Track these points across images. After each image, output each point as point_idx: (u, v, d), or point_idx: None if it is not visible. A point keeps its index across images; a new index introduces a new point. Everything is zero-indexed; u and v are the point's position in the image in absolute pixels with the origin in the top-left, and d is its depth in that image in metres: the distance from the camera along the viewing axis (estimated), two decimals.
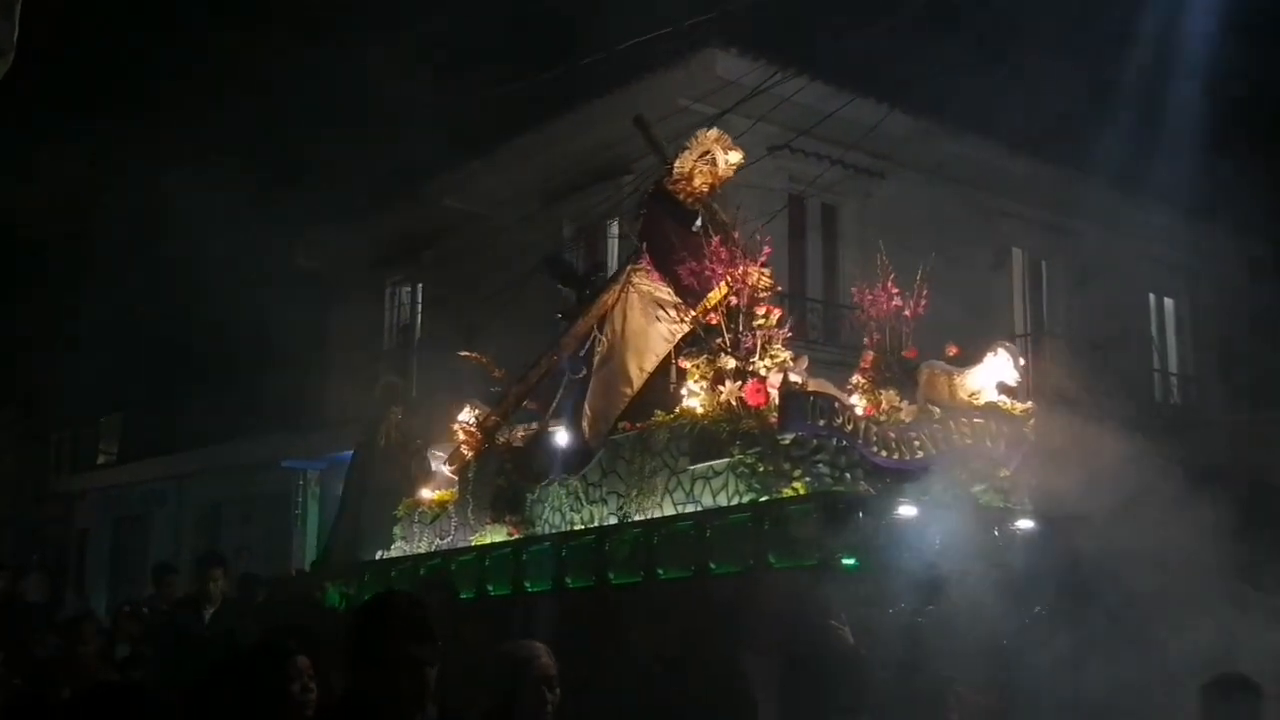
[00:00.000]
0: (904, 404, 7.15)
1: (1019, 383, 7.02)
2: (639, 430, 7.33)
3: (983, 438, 6.84)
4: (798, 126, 11.93)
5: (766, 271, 7.44)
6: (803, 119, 11.60)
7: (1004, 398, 7.01)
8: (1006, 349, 7.08)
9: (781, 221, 12.75)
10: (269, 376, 17.55)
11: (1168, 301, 18.49)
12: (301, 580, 10.79)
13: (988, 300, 15.06)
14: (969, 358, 7.26)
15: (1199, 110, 13.33)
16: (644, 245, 8.17)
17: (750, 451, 6.47)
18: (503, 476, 8.47)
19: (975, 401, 7.01)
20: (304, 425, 17.72)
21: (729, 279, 7.21)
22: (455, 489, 9.08)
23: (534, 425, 9.18)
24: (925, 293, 7.47)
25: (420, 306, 17.92)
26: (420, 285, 18.08)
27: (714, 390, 6.82)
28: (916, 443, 6.70)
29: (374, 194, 17.27)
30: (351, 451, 15.59)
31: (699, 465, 6.78)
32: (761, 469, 6.40)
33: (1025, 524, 6.69)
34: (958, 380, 7.13)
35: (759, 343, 6.75)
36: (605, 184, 14.54)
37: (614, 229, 14.78)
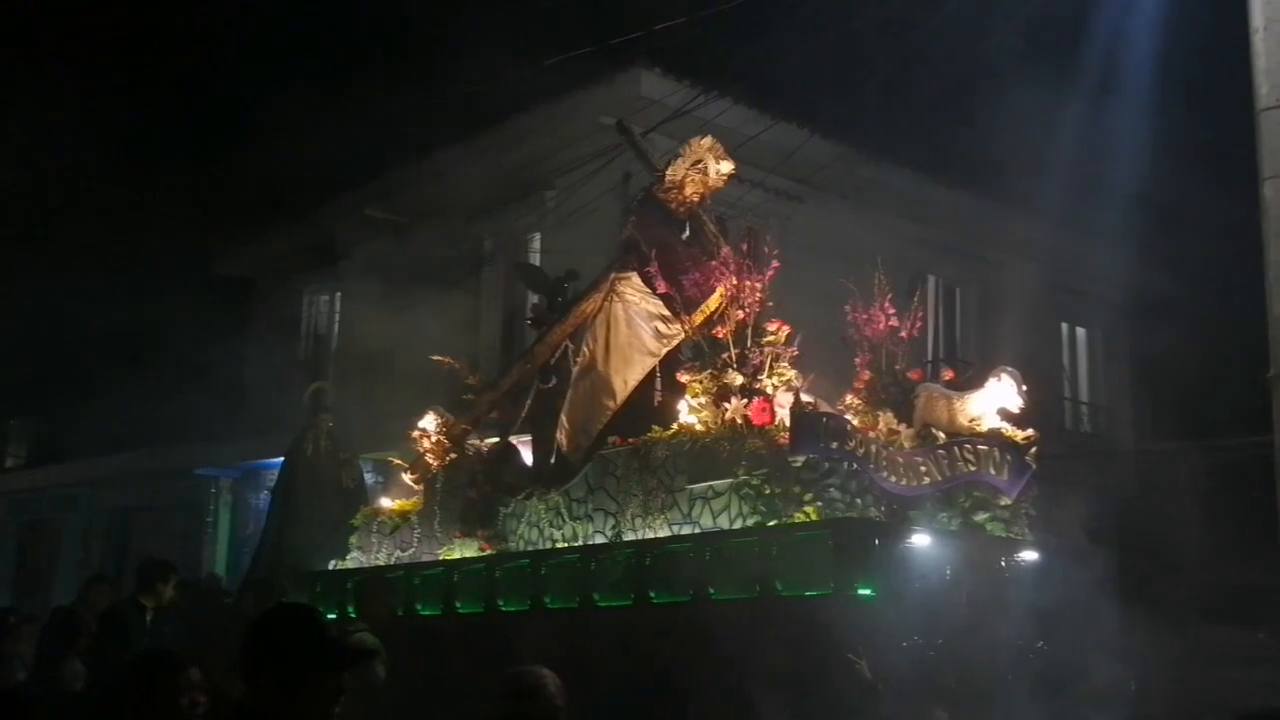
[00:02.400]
0: (901, 427, 6.83)
1: (1021, 409, 6.74)
2: (632, 445, 6.87)
3: (987, 465, 6.53)
4: None
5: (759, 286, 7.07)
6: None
7: (1006, 424, 6.72)
8: (1010, 374, 6.77)
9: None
10: (184, 383, 16.75)
11: (1080, 331, 18.56)
12: (242, 593, 10.13)
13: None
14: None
15: (1113, 144, 13.38)
16: (632, 253, 7.72)
17: (756, 473, 6.05)
18: (474, 488, 7.94)
19: (976, 427, 6.69)
20: (218, 433, 16.95)
21: (724, 290, 6.82)
22: (417, 499, 8.55)
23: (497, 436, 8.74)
24: (921, 314, 7.20)
25: (338, 315, 17.24)
26: (339, 294, 17.37)
27: (717, 407, 6.39)
28: (923, 469, 6.37)
29: (294, 201, 16.59)
30: (265, 460, 14.96)
31: (698, 485, 6.32)
32: (769, 491, 5.97)
33: (1028, 554, 6.43)
34: (958, 405, 6.79)
35: (767, 360, 6.34)
36: (527, 199, 14.17)
37: (535, 243, 14.41)
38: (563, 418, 7.91)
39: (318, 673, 3.19)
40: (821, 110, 12.84)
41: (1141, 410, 17.81)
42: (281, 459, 11.02)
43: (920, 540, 5.90)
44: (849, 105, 13.09)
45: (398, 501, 8.66)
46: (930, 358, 15.81)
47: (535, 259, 13.78)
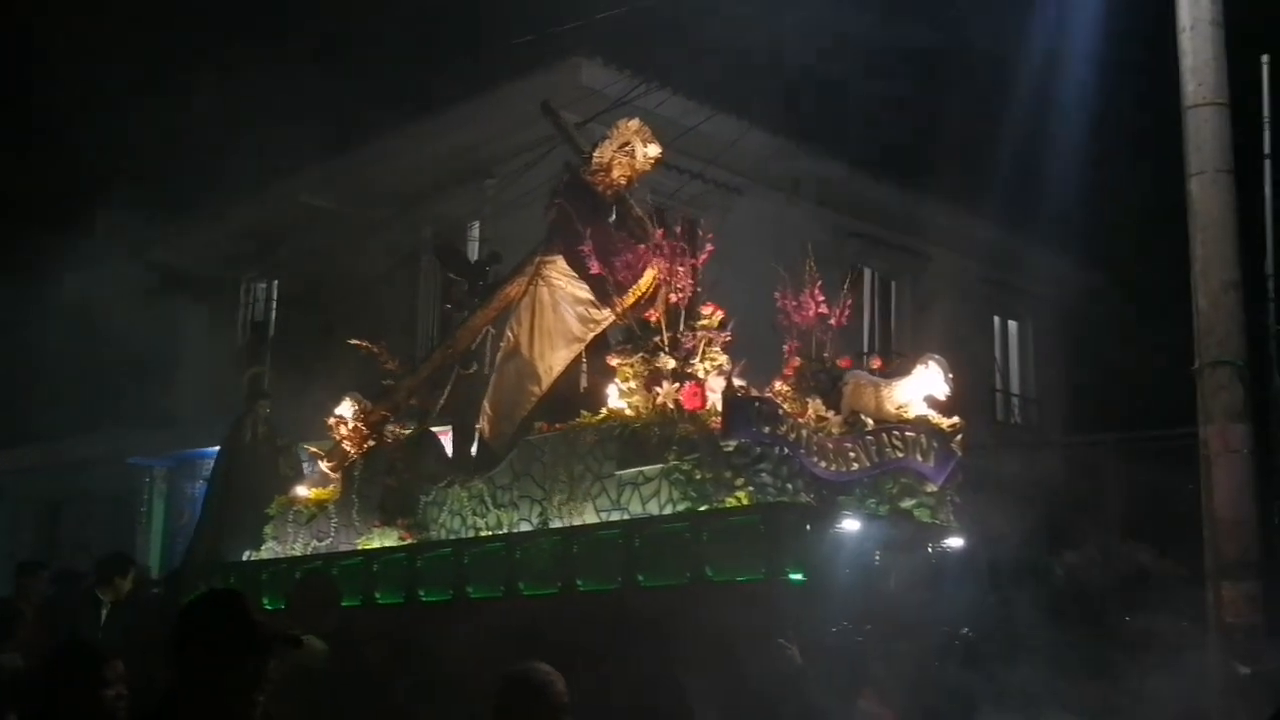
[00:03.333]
0: (830, 414, 6.85)
1: (947, 396, 6.80)
2: (560, 431, 6.78)
3: (914, 451, 6.58)
4: (659, 139, 11.76)
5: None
6: (665, 132, 11.35)
7: (932, 412, 6.77)
8: (936, 361, 6.83)
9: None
10: (117, 371, 16.28)
11: (1011, 324, 18.90)
12: (168, 583, 9.86)
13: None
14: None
15: (1045, 140, 13.66)
16: (558, 236, 7.63)
17: (688, 458, 6.00)
18: (393, 476, 7.78)
19: (903, 414, 6.73)
20: (152, 421, 16.45)
21: (658, 274, 6.75)
22: (335, 487, 8.37)
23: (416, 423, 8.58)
24: (850, 301, 7.23)
25: (275, 303, 16.90)
26: (276, 282, 17.03)
27: (648, 391, 6.34)
28: (852, 454, 6.39)
29: (230, 187, 16.13)
30: (202, 449, 14.58)
31: (627, 470, 6.25)
32: (700, 476, 5.93)
33: (954, 541, 6.49)
34: (885, 392, 6.83)
35: (699, 344, 6.30)
36: (466, 186, 13.99)
37: (474, 231, 14.23)
38: (485, 404, 7.79)
39: (238, 658, 3.18)
40: (760, 103, 12.93)
41: (1071, 402, 18.24)
42: (216, 448, 10.74)
43: (850, 525, 5.92)
44: (788, 99, 13.20)
45: (314, 490, 8.47)
46: (865, 349, 16.04)
47: (474, 248, 13.63)
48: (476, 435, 7.86)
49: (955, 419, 6.80)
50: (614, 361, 6.59)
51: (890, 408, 6.79)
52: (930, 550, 6.27)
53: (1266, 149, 7.63)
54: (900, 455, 6.53)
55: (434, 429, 8.45)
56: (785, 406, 6.63)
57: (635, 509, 6.20)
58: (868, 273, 16.79)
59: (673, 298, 6.36)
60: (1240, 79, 7.36)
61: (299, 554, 8.17)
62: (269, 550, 8.46)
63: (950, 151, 14.83)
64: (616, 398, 6.50)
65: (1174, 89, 7.41)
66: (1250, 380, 7.05)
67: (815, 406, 6.79)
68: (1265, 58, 7.65)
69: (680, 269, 6.42)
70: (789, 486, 5.98)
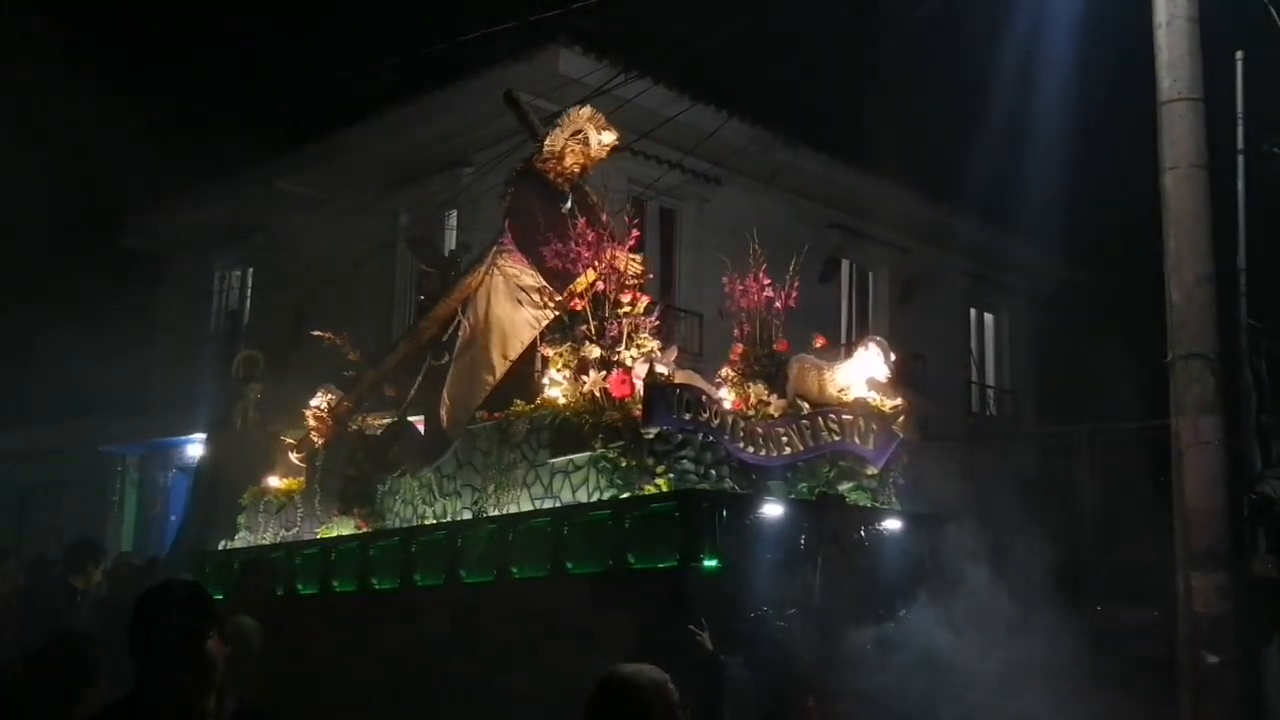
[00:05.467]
0: (772, 398, 6.88)
1: (889, 378, 6.80)
2: (497, 420, 6.88)
3: (851, 434, 6.58)
4: (638, 129, 11.50)
5: (636, 257, 7.11)
6: (644, 121, 11.21)
7: (874, 394, 6.77)
8: (877, 343, 6.82)
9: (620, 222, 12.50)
10: (88, 357, 16.47)
11: (987, 317, 18.88)
12: (156, 571, 10.09)
13: (816, 309, 14.90)
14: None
15: (1022, 133, 13.53)
16: (509, 225, 7.72)
17: (613, 445, 5.99)
18: (353, 466, 7.90)
19: (845, 397, 6.73)
20: (124, 409, 16.64)
21: (597, 263, 6.82)
22: (303, 477, 8.56)
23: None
24: (797, 285, 7.24)
25: (250, 291, 17.02)
26: (250, 269, 17.17)
27: (577, 380, 6.40)
28: (784, 439, 6.41)
29: (205, 173, 16.25)
30: (174, 438, 14.82)
31: (559, 459, 6.29)
32: (624, 464, 5.95)
33: (893, 524, 6.49)
34: (828, 375, 6.83)
35: (625, 331, 6.35)
36: (443, 175, 14.03)
37: (452, 220, 14.26)
38: (444, 394, 7.88)
39: (172, 652, 3.18)
40: (740, 93, 12.95)
41: (1045, 394, 18.16)
42: (189, 436, 10.93)
43: (774, 510, 5.94)
44: (768, 89, 13.19)
45: (285, 480, 8.67)
46: (842, 341, 16.07)
47: (452, 236, 13.72)
48: (437, 425, 7.97)
49: (898, 401, 6.79)
50: (546, 351, 6.67)
51: (833, 391, 6.79)
52: (863, 534, 6.26)
53: (1240, 144, 7.50)
54: (837, 438, 6.53)
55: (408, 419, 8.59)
56: (729, 393, 6.71)
57: (566, 496, 6.24)
58: (846, 264, 16.80)
59: (600, 285, 6.41)
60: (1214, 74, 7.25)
61: (268, 543, 8.36)
62: (242, 540, 8.67)
63: (930, 146, 14.82)
64: (549, 387, 6.58)
65: (1150, 84, 7.32)
66: (1222, 373, 6.96)
67: (757, 391, 6.83)
68: (1239, 54, 7.51)
69: (606, 255, 6.46)
70: (712, 473, 6.00)
